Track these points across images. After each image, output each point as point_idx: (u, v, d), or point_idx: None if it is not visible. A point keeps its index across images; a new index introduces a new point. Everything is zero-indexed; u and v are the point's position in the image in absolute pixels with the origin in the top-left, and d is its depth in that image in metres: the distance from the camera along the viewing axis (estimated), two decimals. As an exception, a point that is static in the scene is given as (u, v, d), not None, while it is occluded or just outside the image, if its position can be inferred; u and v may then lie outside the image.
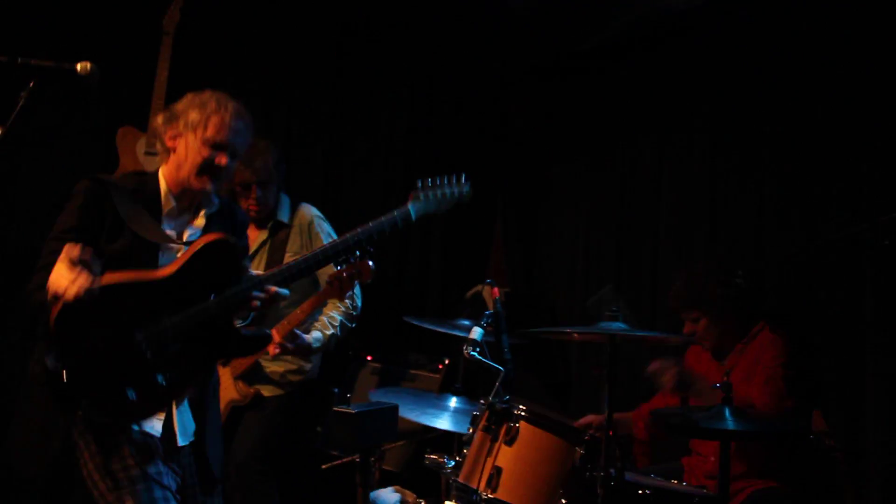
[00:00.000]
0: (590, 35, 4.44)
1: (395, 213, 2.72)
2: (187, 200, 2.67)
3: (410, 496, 3.39)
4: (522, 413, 2.92)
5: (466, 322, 3.90)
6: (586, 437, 2.89)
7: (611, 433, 2.73)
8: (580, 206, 4.79)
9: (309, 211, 3.89)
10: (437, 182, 2.83)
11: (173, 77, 4.30)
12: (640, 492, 2.88)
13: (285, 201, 3.90)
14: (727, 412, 2.76)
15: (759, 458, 3.28)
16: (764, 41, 3.92)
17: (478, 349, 3.00)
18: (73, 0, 4.35)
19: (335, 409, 2.27)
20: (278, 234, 3.82)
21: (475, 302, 4.78)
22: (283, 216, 3.84)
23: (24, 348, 3.85)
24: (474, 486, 2.89)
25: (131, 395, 2.36)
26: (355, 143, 4.84)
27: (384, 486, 3.52)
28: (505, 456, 2.89)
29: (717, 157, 4.11)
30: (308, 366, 3.81)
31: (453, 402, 3.58)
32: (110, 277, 2.33)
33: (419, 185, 2.81)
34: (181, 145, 2.60)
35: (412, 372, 4.16)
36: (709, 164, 4.13)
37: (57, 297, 2.23)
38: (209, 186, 2.61)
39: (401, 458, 3.80)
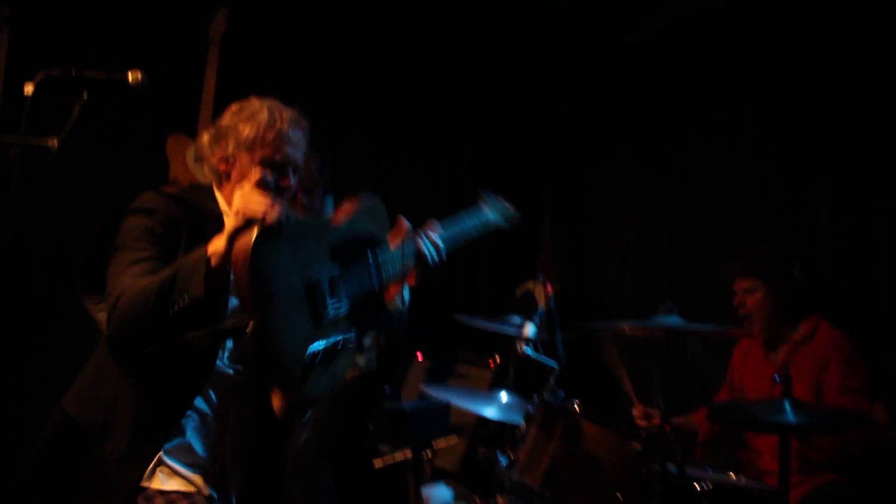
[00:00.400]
0: (635, 30, 4.40)
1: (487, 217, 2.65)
2: None
3: (463, 491, 3.39)
4: (577, 409, 2.91)
5: (517, 319, 3.91)
6: (642, 433, 2.87)
7: (667, 428, 2.70)
8: (628, 204, 4.77)
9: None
10: (496, 198, 2.77)
11: (221, 85, 4.35)
12: (697, 487, 2.85)
13: (331, 205, 3.91)
14: (787, 405, 2.72)
15: (820, 452, 3.23)
16: (810, 35, 3.86)
17: (532, 346, 2.99)
18: (122, 11, 4.43)
19: (388, 406, 2.28)
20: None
21: (525, 299, 4.78)
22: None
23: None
24: (531, 483, 2.88)
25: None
26: (401, 146, 4.86)
27: (436, 482, 3.51)
28: (561, 452, 2.88)
29: (767, 156, 4.06)
30: (363, 361, 3.83)
31: (504, 396, 3.58)
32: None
33: (483, 195, 2.77)
34: (235, 169, 2.22)
35: (462, 369, 4.16)
36: (759, 164, 4.09)
37: (252, 220, 1.93)
38: None
39: (453, 456, 3.79)
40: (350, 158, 4.82)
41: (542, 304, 4.65)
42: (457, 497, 3.23)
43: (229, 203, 2.19)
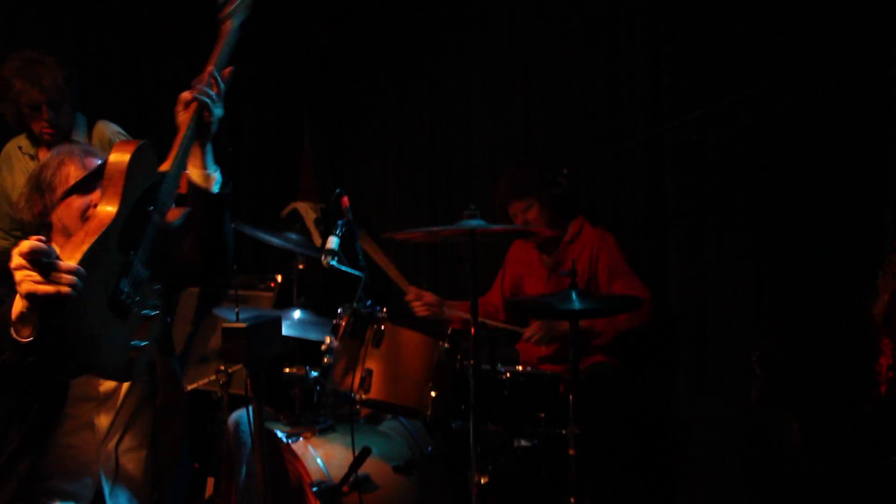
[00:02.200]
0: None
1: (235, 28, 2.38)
2: None
3: (270, 412, 3.37)
4: (385, 315, 2.99)
5: (294, 236, 3.90)
6: (448, 332, 3.02)
7: (475, 326, 2.86)
8: (387, 122, 4.85)
9: (108, 128, 3.61)
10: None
11: None
12: (502, 377, 3.08)
13: (81, 120, 3.60)
14: (574, 295, 3.00)
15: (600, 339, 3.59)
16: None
17: (336, 258, 3.01)
18: None
19: (226, 325, 2.21)
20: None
21: (291, 218, 4.76)
22: (79, 136, 3.55)
23: None
24: (347, 391, 2.94)
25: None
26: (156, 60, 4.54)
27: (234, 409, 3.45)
28: (373, 357, 2.96)
29: (528, 62, 4.27)
30: None
31: (297, 314, 3.59)
32: (73, 249, 1.82)
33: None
34: None
35: (242, 293, 4.08)
36: (519, 72, 4.30)
37: (48, 302, 1.73)
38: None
39: (244, 380, 3.73)
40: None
41: (309, 223, 4.68)
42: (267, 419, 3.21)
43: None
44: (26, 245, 1.72)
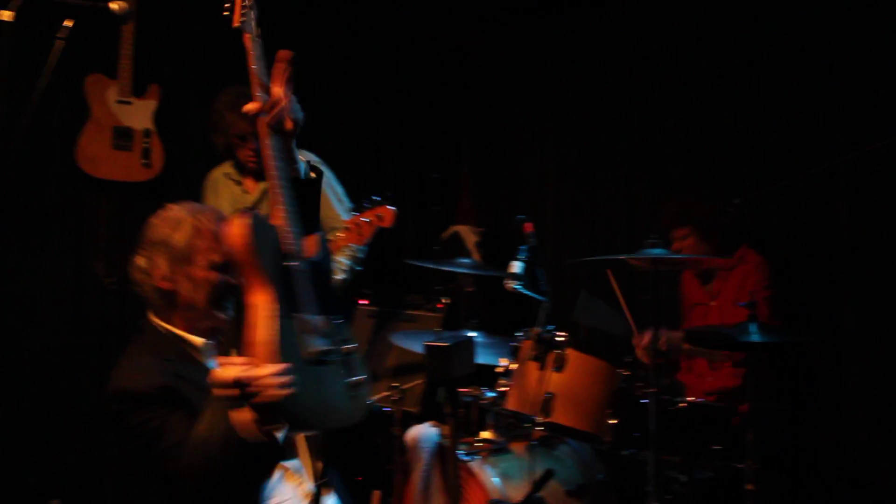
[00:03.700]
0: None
1: None
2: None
3: (446, 430, 3.47)
4: (568, 340, 3.06)
5: (466, 260, 4.02)
6: (628, 360, 3.06)
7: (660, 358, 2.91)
8: (546, 147, 4.92)
9: (307, 157, 3.83)
10: None
11: (141, 21, 4.12)
12: (678, 407, 3.09)
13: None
14: (753, 328, 3.00)
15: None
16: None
17: (521, 283, 3.10)
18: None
19: (428, 343, 2.32)
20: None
21: (453, 242, 4.89)
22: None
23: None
24: (528, 413, 3.01)
25: None
26: (323, 92, 4.77)
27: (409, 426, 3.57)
28: (555, 381, 3.03)
29: (689, 93, 4.28)
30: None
31: (471, 335, 3.68)
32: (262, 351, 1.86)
33: None
34: (181, 286, 2.16)
35: (410, 313, 4.21)
36: (680, 102, 4.30)
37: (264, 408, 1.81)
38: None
39: (418, 398, 3.85)
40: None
41: (470, 246, 4.79)
42: (442, 436, 3.31)
43: (184, 328, 2.17)
44: (228, 377, 1.78)
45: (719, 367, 3.70)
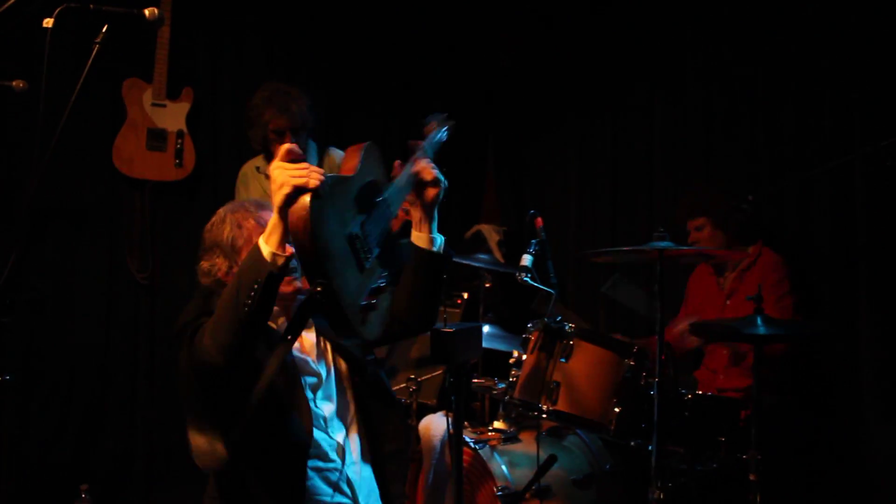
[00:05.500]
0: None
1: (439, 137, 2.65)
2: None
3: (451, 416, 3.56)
4: (575, 330, 3.14)
5: (485, 256, 4.11)
6: (634, 350, 3.13)
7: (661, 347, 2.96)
8: (568, 144, 4.99)
9: (339, 156, 3.95)
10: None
11: (176, 26, 4.29)
12: (684, 399, 3.14)
13: (312, 147, 3.95)
14: (759, 320, 3.04)
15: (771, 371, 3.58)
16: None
17: (530, 275, 3.18)
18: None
19: (434, 329, 2.42)
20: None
21: (476, 240, 4.97)
22: (311, 161, 3.90)
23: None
24: (534, 401, 3.09)
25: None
26: (351, 87, 4.90)
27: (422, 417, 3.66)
28: (561, 371, 3.11)
29: (710, 97, 4.32)
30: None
31: (486, 328, 3.77)
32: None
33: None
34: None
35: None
36: (701, 107, 4.34)
37: (300, 189, 1.91)
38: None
39: (434, 390, 3.96)
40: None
41: (492, 245, 4.88)
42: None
43: None
44: (284, 148, 1.98)
45: (740, 361, 3.73)
